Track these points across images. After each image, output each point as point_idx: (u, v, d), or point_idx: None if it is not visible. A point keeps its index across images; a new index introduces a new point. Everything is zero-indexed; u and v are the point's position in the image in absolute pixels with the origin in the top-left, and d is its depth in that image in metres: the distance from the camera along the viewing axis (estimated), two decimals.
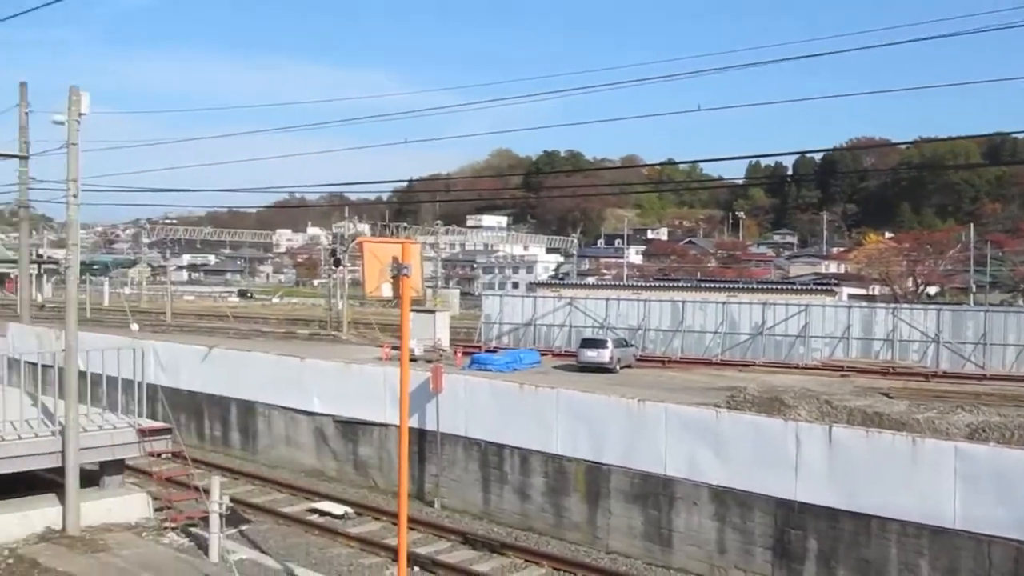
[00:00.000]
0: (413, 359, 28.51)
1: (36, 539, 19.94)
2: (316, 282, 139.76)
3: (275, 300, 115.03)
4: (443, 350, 37.94)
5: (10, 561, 18.81)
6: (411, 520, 19.30)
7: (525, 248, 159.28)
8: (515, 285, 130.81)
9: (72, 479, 20.32)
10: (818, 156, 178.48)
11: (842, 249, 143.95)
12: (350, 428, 28.28)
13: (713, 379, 32.19)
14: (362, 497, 26.51)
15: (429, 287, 72.84)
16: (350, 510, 24.81)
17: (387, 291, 14.01)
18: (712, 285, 66.23)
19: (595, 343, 35.27)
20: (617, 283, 79.23)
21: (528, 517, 24.16)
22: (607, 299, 46.82)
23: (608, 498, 22.70)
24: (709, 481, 21.07)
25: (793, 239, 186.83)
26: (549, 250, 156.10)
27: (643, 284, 71.95)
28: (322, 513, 24.50)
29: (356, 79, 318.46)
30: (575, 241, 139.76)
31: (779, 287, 64.74)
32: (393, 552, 20.13)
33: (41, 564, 18.50)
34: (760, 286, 64.45)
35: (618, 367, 34.08)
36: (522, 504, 24.32)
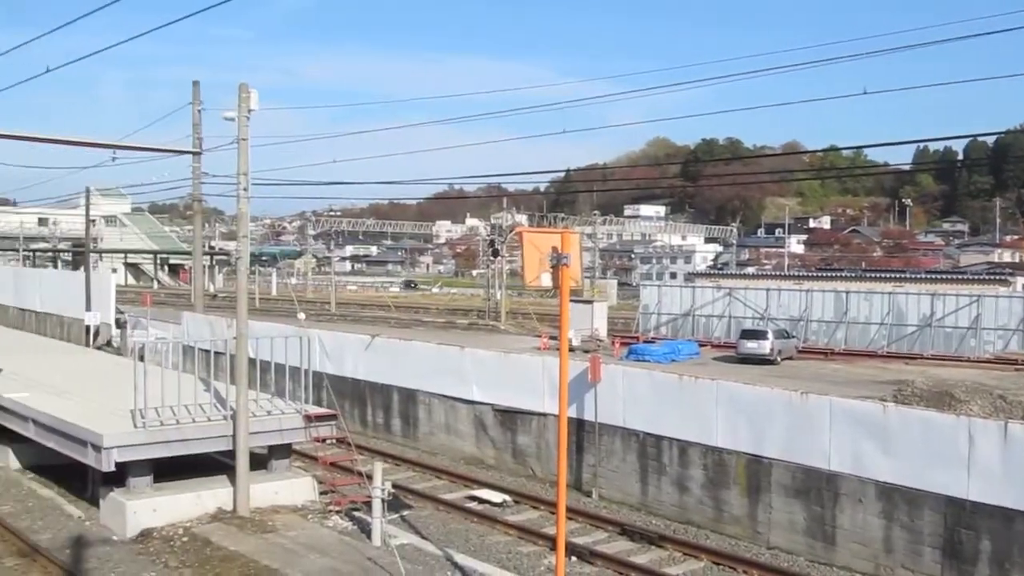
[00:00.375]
0: (571, 349, 28.54)
1: (209, 519, 20.76)
2: (475, 272, 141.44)
3: (435, 290, 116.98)
4: (600, 340, 37.85)
5: (185, 539, 19.65)
6: (569, 510, 19.30)
7: (683, 238, 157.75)
8: (673, 275, 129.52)
9: (243, 462, 21.08)
10: (991, 140, 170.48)
11: (1016, 237, 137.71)
12: (509, 417, 28.51)
13: (879, 372, 31.18)
14: (520, 486, 26.70)
15: (587, 277, 72.74)
16: (508, 498, 25.00)
17: (546, 281, 14.02)
18: (877, 275, 64.36)
19: (755, 334, 34.65)
20: (778, 273, 77.76)
21: (686, 510, 23.91)
22: (767, 289, 45.95)
23: (769, 492, 22.26)
24: (875, 477, 20.42)
25: (964, 227, 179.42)
26: (708, 239, 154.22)
27: (805, 274, 70.28)
28: (481, 501, 24.77)
29: (515, 70, 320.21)
30: (734, 230, 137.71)
31: (949, 277, 62.48)
32: (551, 541, 20.21)
33: (213, 543, 19.25)
34: (929, 276, 62.20)
35: (779, 359, 33.39)
36: (680, 496, 24.08)
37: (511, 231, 67.04)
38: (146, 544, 19.57)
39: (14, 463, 25.52)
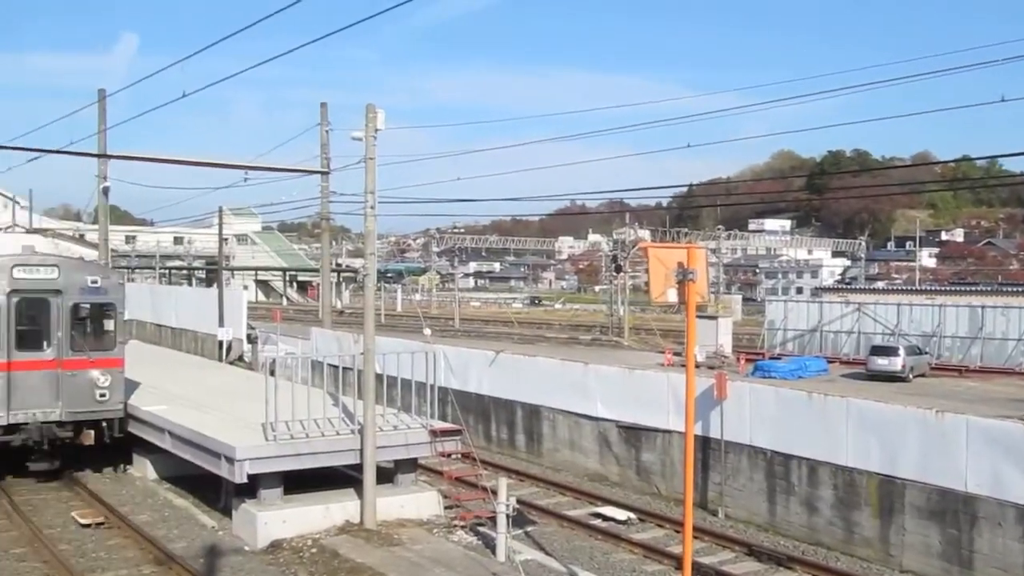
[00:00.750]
0: (696, 365, 28.24)
1: (336, 531, 21.08)
2: (597, 288, 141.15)
3: (557, 306, 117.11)
4: (726, 356, 37.37)
5: (314, 551, 19.99)
6: (695, 529, 19.04)
7: (809, 252, 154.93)
8: (799, 290, 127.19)
9: (370, 476, 21.35)
10: None
11: None
12: (633, 433, 28.30)
13: (1017, 390, 30.09)
14: (645, 503, 26.46)
15: (711, 292, 71.91)
16: (633, 516, 24.79)
17: (672, 296, 13.89)
18: (1015, 289, 62.13)
19: (886, 350, 33.82)
20: (909, 287, 75.65)
21: (815, 531, 23.34)
22: (898, 304, 44.78)
23: (902, 513, 21.58)
24: (1016, 500, 19.62)
25: None
26: (835, 253, 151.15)
27: (937, 288, 68.32)
28: (605, 518, 24.60)
29: (637, 85, 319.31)
30: (863, 244, 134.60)
31: None
32: (676, 560, 19.95)
33: (341, 555, 19.53)
34: None
35: (911, 376, 32.51)
36: (809, 517, 23.52)
37: (634, 246, 66.79)
38: (276, 555, 19.97)
39: (151, 474, 26.35)
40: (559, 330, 65.93)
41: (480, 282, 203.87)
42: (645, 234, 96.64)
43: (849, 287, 79.86)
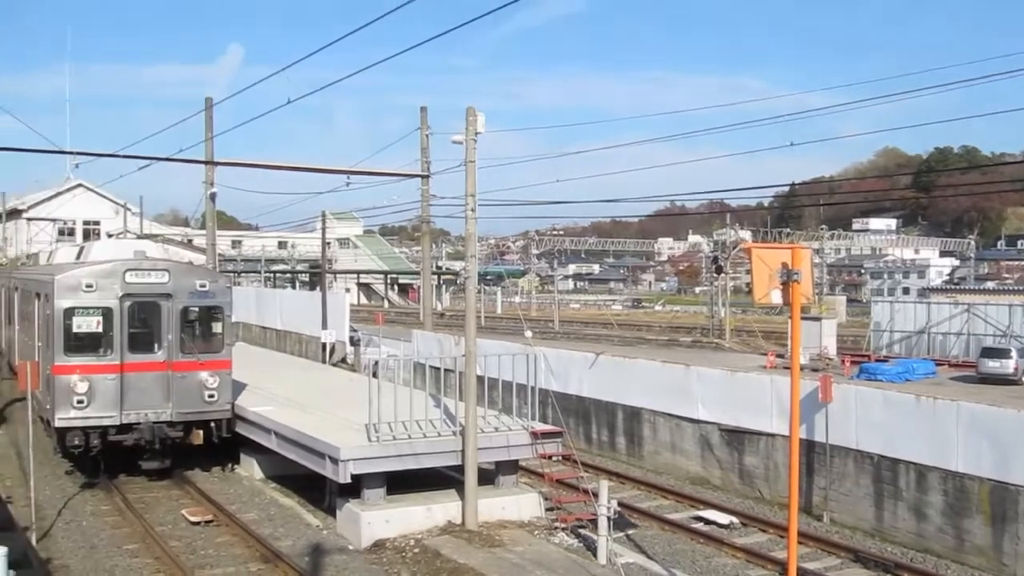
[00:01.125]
0: (799, 368, 27.80)
1: (438, 531, 21.25)
2: (697, 289, 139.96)
3: (657, 308, 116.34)
4: (830, 359, 36.70)
5: (416, 551, 20.19)
6: (799, 534, 18.75)
7: (916, 252, 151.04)
8: (906, 291, 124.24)
9: (471, 477, 21.48)
10: None
11: None
12: (735, 436, 27.98)
13: None
14: (747, 507, 26.13)
15: (815, 294, 70.68)
16: (735, 520, 24.50)
17: (776, 298, 13.70)
18: None
19: (998, 352, 32.83)
20: (1021, 288, 73.35)
21: (924, 537, 22.78)
22: (1010, 305, 43.47)
23: (1016, 522, 20.92)
24: None
25: None
26: (943, 253, 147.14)
27: None
28: (707, 521, 24.36)
29: (737, 84, 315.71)
30: (972, 243, 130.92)
31: None
32: (780, 566, 19.68)
33: (443, 555, 19.68)
34: None
35: (1023, 379, 31.52)
36: (918, 523, 22.97)
37: (735, 247, 66.03)
38: (379, 554, 20.22)
39: (258, 473, 26.89)
40: (659, 332, 65.45)
41: (579, 284, 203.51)
42: (746, 235, 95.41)
43: (958, 287, 77.87)
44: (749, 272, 14.36)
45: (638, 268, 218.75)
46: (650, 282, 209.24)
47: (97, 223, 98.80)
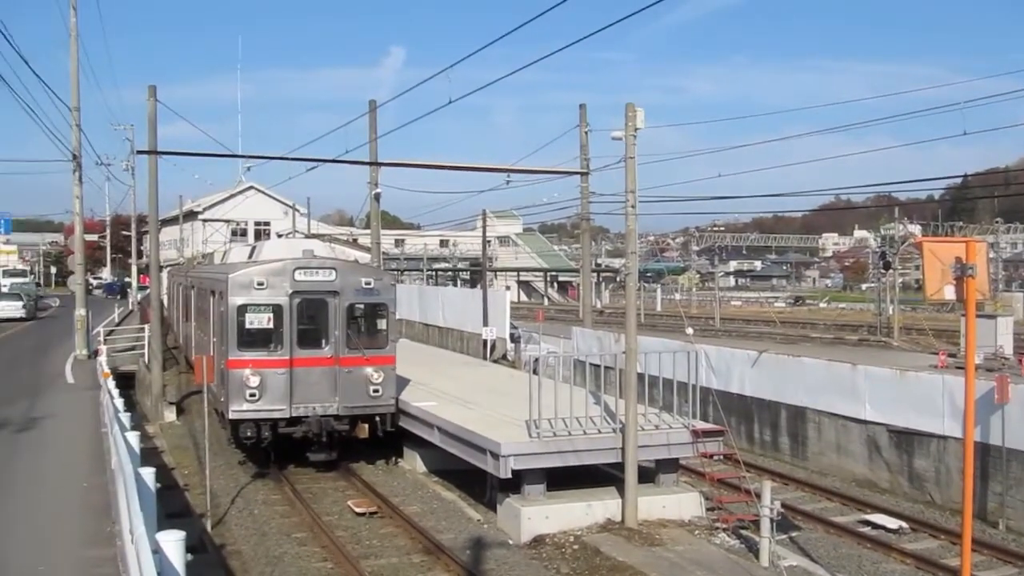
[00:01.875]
0: (974, 367, 26.68)
1: (598, 528, 21.24)
2: (864, 286, 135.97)
3: (821, 305, 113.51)
4: (1006, 358, 35.11)
5: (575, 547, 20.23)
6: (973, 541, 17.99)
7: None
8: None
9: (631, 475, 21.40)
10: None
11: None
12: (904, 438, 27.06)
13: None
14: (917, 512, 25.21)
15: (991, 290, 67.89)
16: (904, 525, 23.66)
17: (949, 294, 13.21)
18: None
19: None
20: None
21: None
22: None
23: None
24: None
25: None
26: None
27: None
28: (875, 526, 23.61)
29: (905, 73, 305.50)
30: None
31: None
32: (952, 573, 18.97)
33: (603, 552, 19.67)
34: None
35: None
36: None
37: (903, 242, 63.95)
38: (538, 550, 20.34)
39: (420, 467, 27.39)
40: (824, 330, 63.84)
41: (741, 281, 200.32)
42: (915, 229, 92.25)
43: None
44: (919, 268, 13.89)
45: (801, 264, 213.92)
46: (814, 279, 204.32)
47: (267, 223, 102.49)
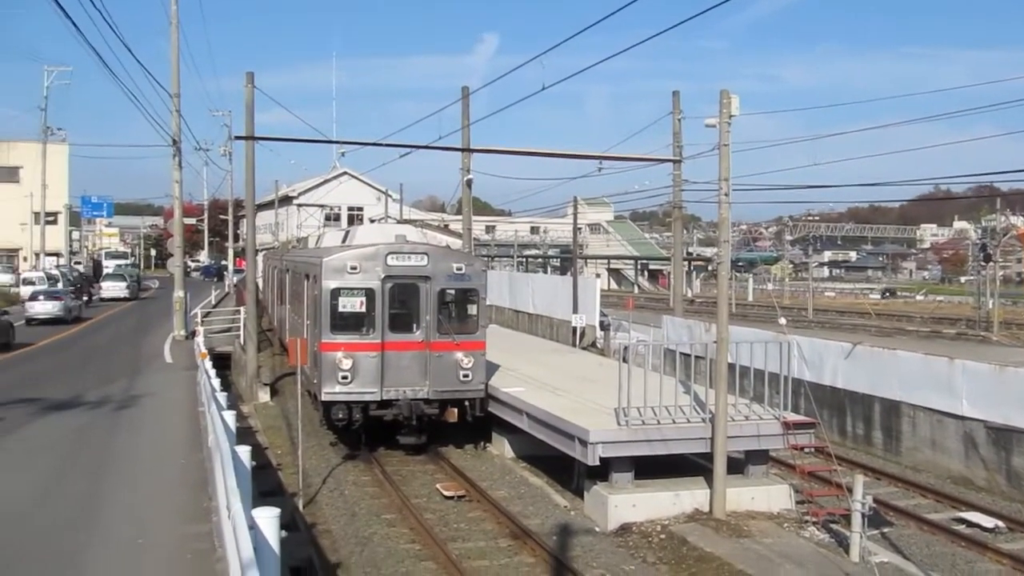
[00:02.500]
0: None
1: (685, 518, 21.16)
2: (963, 279, 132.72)
3: (918, 297, 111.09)
4: None
5: (662, 536, 20.19)
6: None
7: None
8: None
9: (720, 465, 21.25)
10: None
11: None
12: (1004, 435, 26.39)
13: None
14: (1015, 511, 24.55)
15: None
16: (1001, 524, 23.08)
17: None
18: None
19: None
20: None
21: None
22: None
23: None
24: None
25: None
26: None
27: None
28: (969, 524, 23.09)
29: (1011, 59, 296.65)
30: None
31: None
32: None
33: (690, 543, 19.59)
34: None
35: None
36: None
37: (1004, 234, 62.29)
38: (625, 538, 20.34)
39: (508, 452, 27.54)
40: (920, 323, 62.57)
41: (835, 271, 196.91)
42: (1017, 221, 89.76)
43: None
44: (1021, 260, 13.53)
45: (898, 256, 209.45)
46: (911, 270, 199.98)
47: (360, 209, 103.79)
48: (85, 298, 65.84)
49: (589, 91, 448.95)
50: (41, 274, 68.08)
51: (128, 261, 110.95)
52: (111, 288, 74.01)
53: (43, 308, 52.23)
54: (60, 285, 62.98)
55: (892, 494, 25.91)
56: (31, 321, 50.56)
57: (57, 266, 79.46)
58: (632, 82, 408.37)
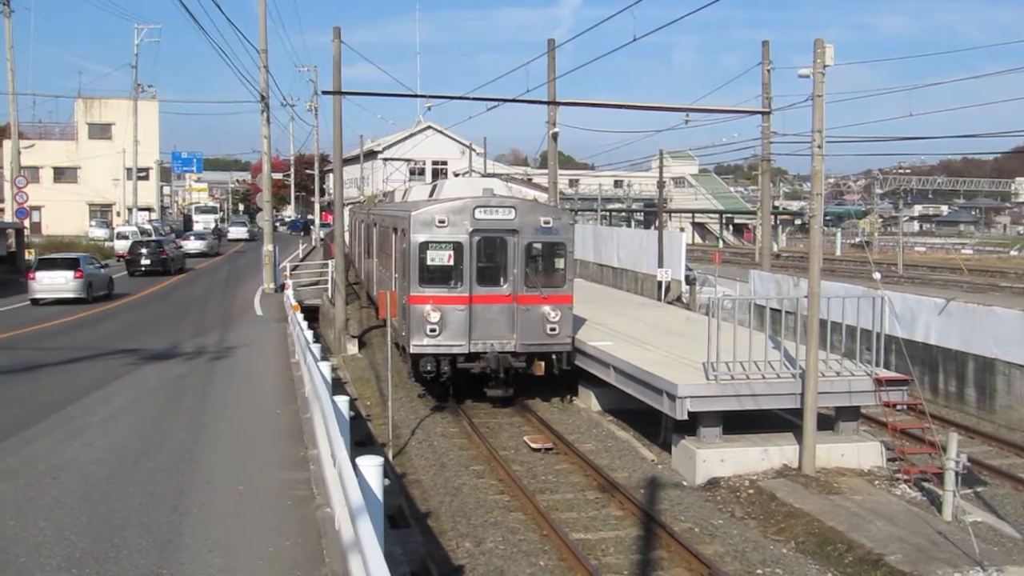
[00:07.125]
0: None
1: (774, 474, 21.05)
2: None
3: (1013, 252, 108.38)
4: None
5: (751, 491, 20.13)
6: None
7: None
8: None
9: (810, 421, 21.06)
10: None
11: None
12: None
13: None
14: None
15: None
16: None
17: None
18: None
19: None
20: None
21: None
22: None
23: None
24: None
25: None
26: None
27: None
28: None
29: None
30: None
31: None
32: None
33: (778, 498, 19.50)
34: None
35: None
36: None
37: None
38: (713, 492, 20.33)
39: (595, 406, 27.63)
40: (1015, 279, 61.09)
41: (926, 226, 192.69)
42: None
43: None
44: None
45: (992, 210, 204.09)
46: (1005, 225, 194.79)
47: (444, 163, 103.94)
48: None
49: (678, 42, 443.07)
50: (135, 228, 69.73)
51: (217, 215, 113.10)
52: (235, 232, 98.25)
53: (193, 246, 72.13)
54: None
55: (986, 452, 25.48)
56: (188, 255, 65.75)
57: (150, 220, 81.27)
58: (723, 31, 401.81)
